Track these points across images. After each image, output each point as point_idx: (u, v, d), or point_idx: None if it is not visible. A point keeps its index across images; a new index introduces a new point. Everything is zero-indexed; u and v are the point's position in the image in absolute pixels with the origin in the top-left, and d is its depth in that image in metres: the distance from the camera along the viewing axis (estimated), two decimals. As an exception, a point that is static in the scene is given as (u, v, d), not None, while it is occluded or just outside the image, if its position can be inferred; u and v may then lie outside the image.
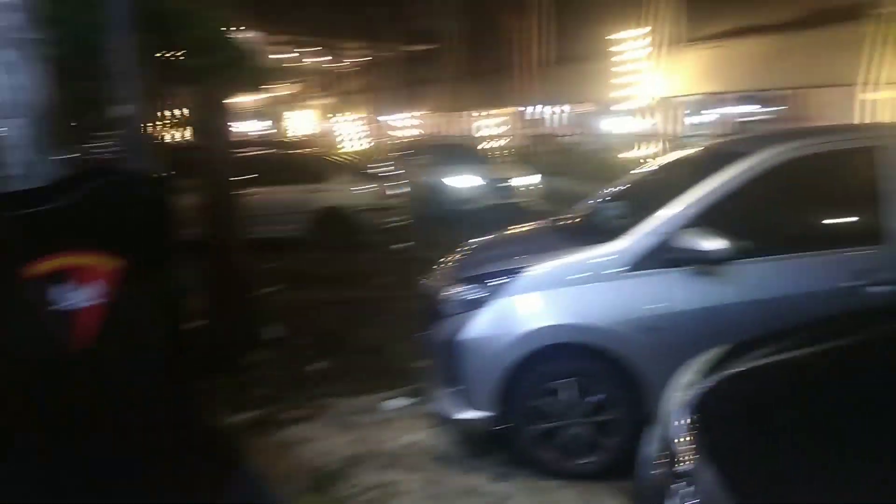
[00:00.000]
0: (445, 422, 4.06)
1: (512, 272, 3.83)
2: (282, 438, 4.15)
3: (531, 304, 3.74)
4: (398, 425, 4.38)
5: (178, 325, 2.71)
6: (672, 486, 2.04)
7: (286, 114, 35.39)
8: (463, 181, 13.24)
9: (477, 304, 3.81)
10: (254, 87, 6.12)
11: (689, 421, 2.17)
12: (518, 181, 13.69)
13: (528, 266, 3.81)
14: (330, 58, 28.63)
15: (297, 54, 32.37)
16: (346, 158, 13.91)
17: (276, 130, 31.78)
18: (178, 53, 5.37)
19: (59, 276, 2.34)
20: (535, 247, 4.27)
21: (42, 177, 3.08)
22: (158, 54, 4.75)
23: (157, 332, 2.64)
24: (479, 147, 19.11)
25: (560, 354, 3.66)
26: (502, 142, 23.22)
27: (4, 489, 2.36)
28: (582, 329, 3.64)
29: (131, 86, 3.69)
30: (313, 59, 34.44)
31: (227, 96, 5.95)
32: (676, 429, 2.21)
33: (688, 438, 2.09)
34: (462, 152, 15.55)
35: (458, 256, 4.72)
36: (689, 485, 1.96)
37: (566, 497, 3.47)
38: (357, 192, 11.29)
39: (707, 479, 1.87)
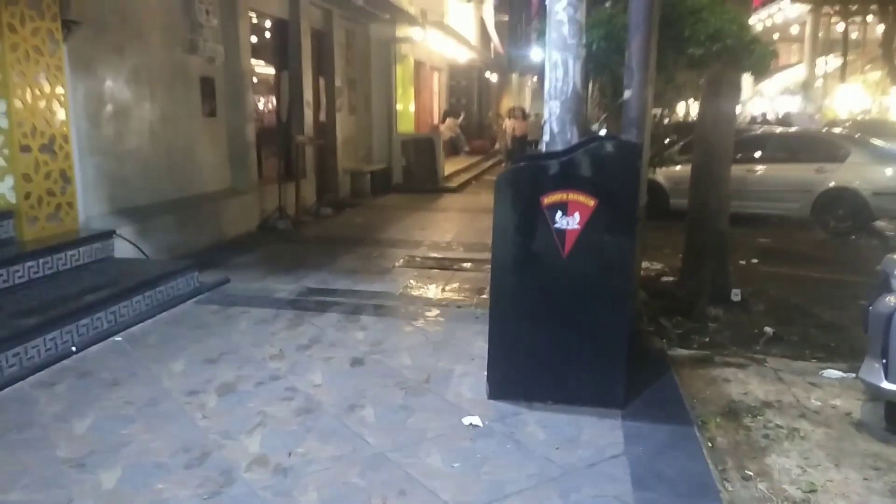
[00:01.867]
0: (875, 395, 4.25)
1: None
2: (712, 374, 4.92)
3: None
4: (827, 390, 4.68)
5: (635, 254, 3.77)
6: None
7: (832, 89, 32.83)
8: None
9: (927, 278, 3.91)
10: (760, 70, 6.63)
11: None
12: None
13: None
14: (884, 25, 25.34)
15: (846, 24, 29.57)
16: (872, 137, 12.75)
17: (816, 108, 29.84)
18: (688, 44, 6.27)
19: (559, 206, 3.68)
20: None
21: (565, 143, 4.51)
22: (671, 46, 5.70)
23: (617, 256, 3.78)
24: None
25: None
26: None
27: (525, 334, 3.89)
28: None
29: (640, 74, 4.82)
30: (865, 28, 30.91)
31: (731, 79, 6.65)
32: None
33: None
34: None
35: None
36: None
37: (978, 492, 3.44)
38: (875, 174, 10.54)
39: None
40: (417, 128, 17.57)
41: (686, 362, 5.11)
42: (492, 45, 23.11)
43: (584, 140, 4.19)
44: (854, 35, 31.05)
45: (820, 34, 31.43)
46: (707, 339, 5.79)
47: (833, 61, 32.22)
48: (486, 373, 4.09)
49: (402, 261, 7.82)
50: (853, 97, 30.18)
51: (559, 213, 3.72)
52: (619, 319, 3.76)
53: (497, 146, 20.52)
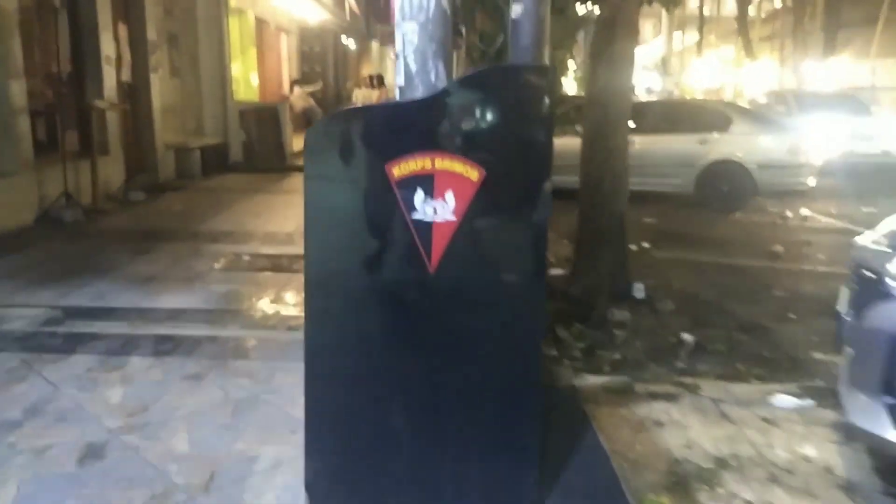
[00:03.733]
0: (859, 439, 3.08)
1: None
2: (638, 413, 3.56)
3: None
4: (787, 429, 3.47)
5: (542, 258, 2.21)
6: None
7: (685, 64, 33.62)
8: None
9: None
10: (666, 3, 5.38)
11: None
12: None
13: None
14: (736, 3, 26.00)
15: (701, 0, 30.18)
16: (750, 107, 12.25)
17: (673, 82, 30.29)
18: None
19: (419, 181, 2.06)
20: None
21: (428, 88, 2.89)
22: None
23: (521, 267, 2.20)
24: None
25: None
26: None
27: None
28: None
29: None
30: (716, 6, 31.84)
31: (629, 19, 5.33)
32: None
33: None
34: None
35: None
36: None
37: None
38: (760, 145, 9.80)
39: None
40: (264, 97, 15.38)
41: (601, 397, 3.74)
42: (347, 6, 21.06)
43: (458, 78, 2.60)
44: (707, 12, 31.82)
45: (676, 12, 31.95)
46: (618, 356, 4.47)
47: (688, 37, 33.01)
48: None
49: (222, 261, 5.97)
50: (709, 72, 30.98)
51: (420, 194, 2.11)
52: (526, 377, 2.21)
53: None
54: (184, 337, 3.98)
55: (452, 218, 2.09)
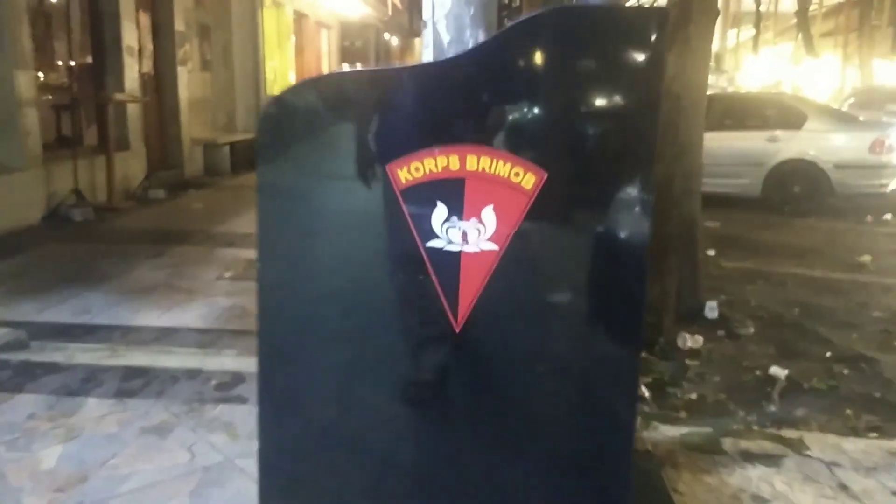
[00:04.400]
0: None
1: None
2: (731, 482, 2.76)
3: None
4: (930, 511, 2.64)
5: (637, 306, 1.43)
6: None
7: (740, 62, 32.12)
8: None
9: None
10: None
11: None
12: None
13: None
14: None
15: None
16: (823, 103, 11.16)
17: (728, 80, 28.89)
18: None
19: (439, 191, 1.31)
20: None
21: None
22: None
23: (604, 324, 1.43)
24: None
25: None
26: None
27: None
28: None
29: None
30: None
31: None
32: None
33: None
34: None
35: None
36: None
37: None
38: (837, 144, 8.80)
39: None
40: (300, 93, 14.82)
41: (680, 456, 2.95)
42: (389, 1, 20.43)
43: (505, 28, 1.84)
44: (763, 8, 30.30)
45: (730, 8, 30.52)
46: (693, 395, 3.68)
47: (744, 34, 31.52)
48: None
49: (233, 269, 5.33)
50: (767, 68, 29.55)
51: (441, 211, 1.36)
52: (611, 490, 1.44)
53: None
54: (160, 370, 3.29)
55: (492, 247, 1.33)
